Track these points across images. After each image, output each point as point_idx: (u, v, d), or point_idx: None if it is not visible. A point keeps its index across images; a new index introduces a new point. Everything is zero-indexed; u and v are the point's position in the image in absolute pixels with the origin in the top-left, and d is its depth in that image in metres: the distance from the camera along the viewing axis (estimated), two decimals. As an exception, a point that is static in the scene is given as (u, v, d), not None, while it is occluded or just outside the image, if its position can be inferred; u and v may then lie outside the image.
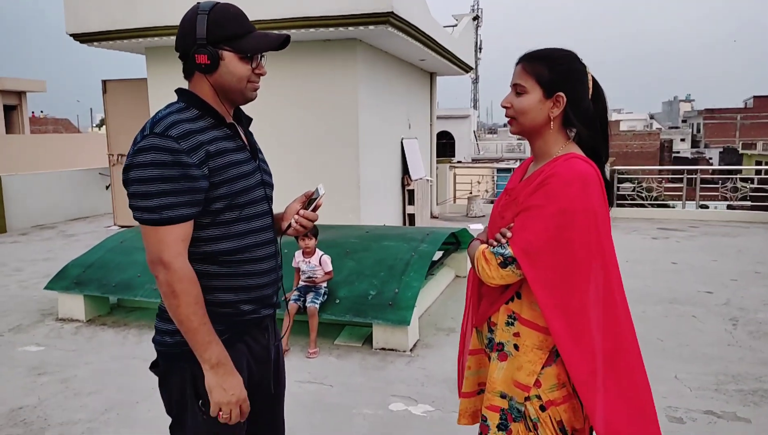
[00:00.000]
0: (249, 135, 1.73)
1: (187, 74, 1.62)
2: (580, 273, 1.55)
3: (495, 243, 1.63)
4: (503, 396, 1.65)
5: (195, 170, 1.48)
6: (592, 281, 1.57)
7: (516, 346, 1.63)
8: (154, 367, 1.65)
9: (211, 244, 1.57)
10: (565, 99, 1.61)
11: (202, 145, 1.50)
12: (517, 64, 1.67)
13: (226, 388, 1.52)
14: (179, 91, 1.62)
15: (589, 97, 1.65)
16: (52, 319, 5.07)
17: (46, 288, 5.16)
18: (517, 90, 1.65)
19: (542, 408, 1.59)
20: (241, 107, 1.72)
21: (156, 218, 1.47)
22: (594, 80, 1.67)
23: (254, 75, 1.60)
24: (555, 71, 1.61)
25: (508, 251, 1.58)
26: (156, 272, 1.49)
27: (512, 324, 1.65)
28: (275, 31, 1.63)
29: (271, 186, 1.75)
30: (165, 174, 1.45)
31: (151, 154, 1.45)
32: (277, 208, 1.79)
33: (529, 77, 1.63)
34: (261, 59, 1.63)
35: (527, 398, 1.60)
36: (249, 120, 1.77)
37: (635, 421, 1.59)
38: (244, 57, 1.57)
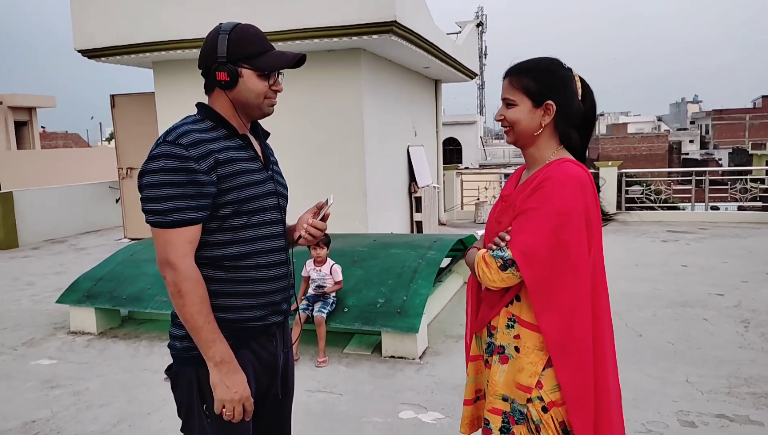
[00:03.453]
0: (265, 147, 1.81)
1: (208, 90, 1.70)
2: (574, 274, 1.59)
3: (494, 247, 1.65)
4: (505, 399, 1.67)
5: (203, 176, 1.55)
6: (586, 282, 1.61)
7: (517, 349, 1.65)
8: (168, 370, 1.72)
9: (219, 248, 1.63)
10: (554, 106, 1.66)
11: (211, 153, 1.58)
12: (504, 78, 1.71)
13: (229, 386, 1.57)
14: (198, 105, 1.71)
15: (579, 98, 1.69)
16: (64, 333, 5.11)
17: (57, 301, 5.21)
18: (508, 103, 1.70)
19: (544, 409, 1.61)
20: (260, 122, 1.80)
21: (164, 221, 1.55)
22: (582, 80, 1.71)
23: (271, 91, 1.69)
24: (541, 82, 1.66)
25: (508, 254, 1.61)
26: (164, 273, 1.57)
27: (512, 326, 1.68)
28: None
29: (285, 197, 1.81)
30: (174, 179, 1.53)
31: (162, 161, 1.54)
32: (289, 218, 1.84)
33: (517, 90, 1.68)
34: (278, 76, 1.71)
35: (529, 400, 1.62)
36: (267, 134, 1.85)
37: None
38: (262, 74, 1.65)
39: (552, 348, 1.59)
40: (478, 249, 1.74)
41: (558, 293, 1.59)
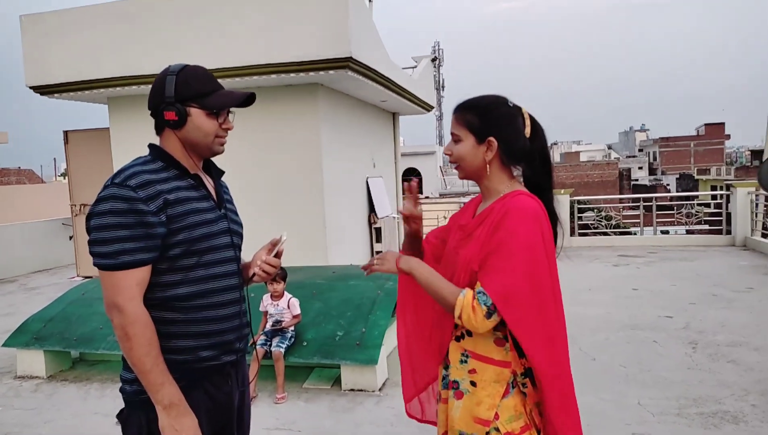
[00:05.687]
0: (219, 185, 1.82)
1: (158, 130, 1.72)
2: (547, 305, 1.61)
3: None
4: None
5: (152, 217, 1.55)
6: (561, 308, 1.65)
7: (473, 383, 1.66)
8: (120, 414, 1.69)
9: (169, 289, 1.62)
10: (496, 143, 1.69)
11: (161, 193, 1.58)
12: (453, 114, 1.76)
13: (178, 429, 1.56)
14: (149, 146, 1.72)
15: (527, 135, 1.71)
16: (10, 378, 4.91)
17: (4, 345, 5.01)
18: (454, 138, 1.75)
19: None
20: (213, 160, 1.82)
21: (112, 263, 1.54)
22: (532, 118, 1.74)
23: (221, 130, 1.71)
24: (484, 118, 1.70)
25: (490, 300, 1.57)
26: (111, 316, 1.56)
27: (466, 362, 1.68)
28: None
29: (239, 235, 1.81)
30: (122, 221, 1.53)
31: (109, 203, 1.54)
32: (246, 253, 1.85)
33: (462, 126, 1.72)
34: (228, 115, 1.73)
35: (487, 433, 1.62)
36: (220, 172, 1.86)
37: None
38: (211, 113, 1.68)
39: (544, 379, 1.60)
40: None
41: (540, 326, 1.60)
